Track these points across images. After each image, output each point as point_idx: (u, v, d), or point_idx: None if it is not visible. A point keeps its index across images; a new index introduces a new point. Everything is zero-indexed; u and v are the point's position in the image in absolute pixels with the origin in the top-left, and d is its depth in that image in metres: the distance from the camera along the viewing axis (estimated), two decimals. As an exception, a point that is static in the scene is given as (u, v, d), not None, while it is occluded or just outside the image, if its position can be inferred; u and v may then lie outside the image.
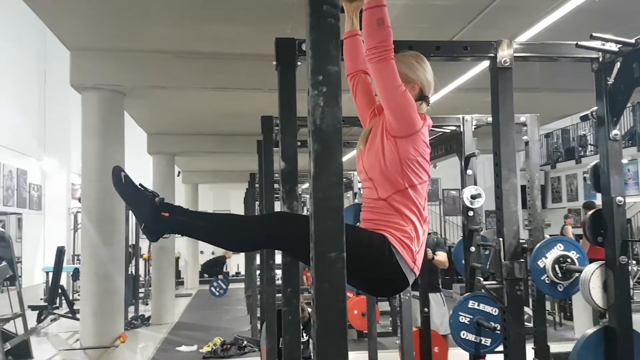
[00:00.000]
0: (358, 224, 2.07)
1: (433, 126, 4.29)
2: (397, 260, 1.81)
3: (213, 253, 17.36)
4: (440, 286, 5.54)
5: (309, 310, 2.71)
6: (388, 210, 1.87)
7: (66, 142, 12.92)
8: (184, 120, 9.12)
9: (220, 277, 14.26)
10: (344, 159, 8.67)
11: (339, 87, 1.30)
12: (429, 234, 5.21)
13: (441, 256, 5.19)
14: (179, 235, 1.87)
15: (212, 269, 15.39)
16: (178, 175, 13.22)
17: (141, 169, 11.16)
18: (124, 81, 5.89)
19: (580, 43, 2.36)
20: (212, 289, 12.75)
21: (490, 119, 2.79)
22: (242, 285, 13.37)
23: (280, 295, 2.60)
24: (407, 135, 1.84)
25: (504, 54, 2.47)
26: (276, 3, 4.60)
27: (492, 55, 2.48)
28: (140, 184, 1.83)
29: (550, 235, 4.01)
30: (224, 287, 12.87)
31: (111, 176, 1.81)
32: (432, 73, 2.01)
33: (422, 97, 1.98)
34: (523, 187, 4.21)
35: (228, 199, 18.35)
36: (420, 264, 1.89)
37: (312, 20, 1.29)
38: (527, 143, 4.07)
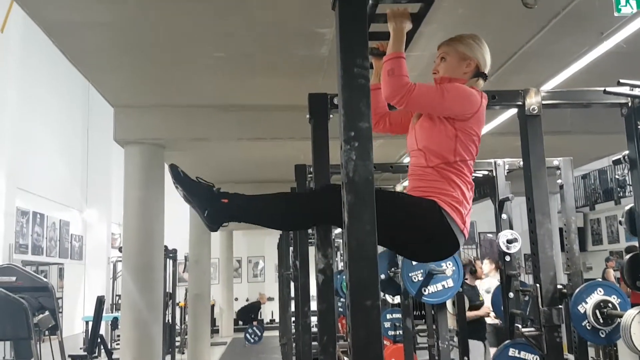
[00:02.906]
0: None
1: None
2: (448, 223, 1.87)
3: (247, 300, 17.37)
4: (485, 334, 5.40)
5: (346, 359, 2.72)
6: (436, 177, 1.93)
7: (107, 193, 13.34)
8: (221, 168, 9.36)
9: (255, 323, 14.23)
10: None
11: (370, 141, 1.37)
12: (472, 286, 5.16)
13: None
14: (238, 222, 1.93)
15: (247, 315, 15.37)
16: (213, 223, 13.39)
17: (179, 217, 11.44)
18: (165, 135, 6.14)
19: (608, 89, 2.40)
20: (247, 335, 12.71)
21: (522, 164, 2.81)
22: (276, 332, 13.26)
23: (315, 343, 2.61)
24: (466, 119, 1.94)
25: (532, 101, 2.52)
26: (309, 57, 4.80)
27: (519, 103, 2.53)
28: (197, 177, 1.93)
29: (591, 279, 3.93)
30: (259, 333, 12.80)
31: (170, 173, 1.93)
32: (489, 52, 2.10)
33: (478, 74, 2.07)
34: (562, 230, 4.17)
35: (262, 245, 18.45)
36: (469, 226, 1.95)
37: (344, 81, 1.38)
38: (561, 186, 4.05)
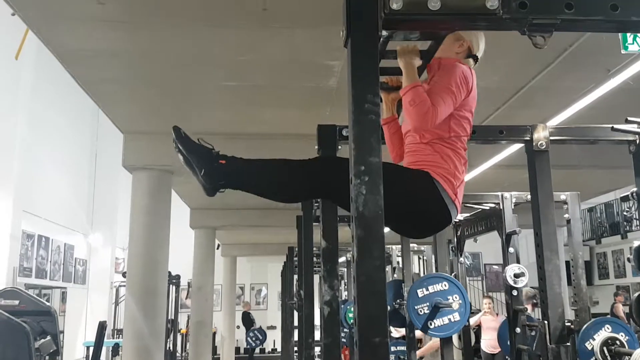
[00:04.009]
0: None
1: (473, 203, 4.35)
2: (439, 192, 1.91)
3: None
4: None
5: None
6: (429, 151, 1.98)
7: (112, 217, 13.36)
8: (226, 195, 9.36)
9: (255, 328, 14.09)
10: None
11: (379, 176, 1.38)
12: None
13: None
14: (234, 189, 1.91)
15: (249, 327, 15.30)
16: (217, 248, 13.39)
17: (182, 242, 11.44)
18: (174, 161, 6.13)
19: (616, 126, 2.42)
20: (249, 339, 12.57)
21: (529, 197, 2.82)
22: (279, 362, 13.11)
23: (320, 376, 2.58)
24: (465, 96, 1.98)
25: (540, 137, 2.54)
26: (317, 89, 4.86)
27: (527, 138, 2.55)
28: (198, 139, 1.93)
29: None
30: (261, 337, 12.65)
31: (173, 133, 1.92)
32: (484, 38, 2.12)
33: (470, 55, 2.10)
34: (568, 263, 4.14)
35: (266, 272, 18.34)
36: (461, 198, 1.98)
37: (355, 116, 1.40)
38: (568, 221, 4.04)
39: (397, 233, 2.33)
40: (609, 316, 9.18)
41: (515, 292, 4.07)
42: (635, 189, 2.45)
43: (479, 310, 10.06)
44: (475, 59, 2.12)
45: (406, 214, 1.95)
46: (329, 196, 2.13)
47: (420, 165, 1.97)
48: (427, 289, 3.68)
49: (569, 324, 3.53)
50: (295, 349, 7.87)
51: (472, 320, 6.47)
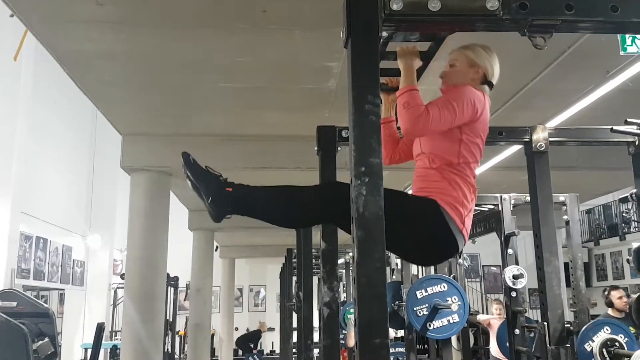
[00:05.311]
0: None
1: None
2: (446, 221, 1.88)
3: (248, 330, 17.18)
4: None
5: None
6: (438, 177, 1.96)
7: (111, 219, 13.33)
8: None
9: (254, 351, 14.05)
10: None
11: (380, 177, 1.38)
12: None
13: None
14: (241, 215, 1.92)
15: (246, 344, 15.18)
16: (216, 250, 13.38)
17: (181, 244, 11.44)
18: (172, 163, 6.17)
19: (615, 128, 2.42)
20: None
21: (528, 198, 2.82)
22: (277, 364, 13.08)
23: (319, 377, 2.58)
24: (475, 119, 1.95)
25: (539, 138, 2.54)
26: (316, 90, 4.85)
27: (527, 140, 2.55)
28: (206, 166, 1.95)
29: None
30: None
31: (182, 159, 1.95)
32: (498, 63, 2.10)
33: (485, 82, 2.08)
34: (566, 265, 4.14)
35: (264, 274, 18.32)
36: (469, 228, 1.94)
37: (356, 117, 1.39)
38: (567, 222, 4.04)
39: (405, 260, 2.32)
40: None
41: (514, 294, 4.07)
42: (634, 190, 2.45)
43: (477, 312, 10.03)
44: (491, 85, 2.09)
45: (413, 243, 1.94)
46: (331, 221, 2.14)
47: (428, 192, 1.95)
48: (426, 291, 3.68)
49: (568, 325, 3.54)
50: (294, 350, 7.86)
51: (483, 318, 6.46)
